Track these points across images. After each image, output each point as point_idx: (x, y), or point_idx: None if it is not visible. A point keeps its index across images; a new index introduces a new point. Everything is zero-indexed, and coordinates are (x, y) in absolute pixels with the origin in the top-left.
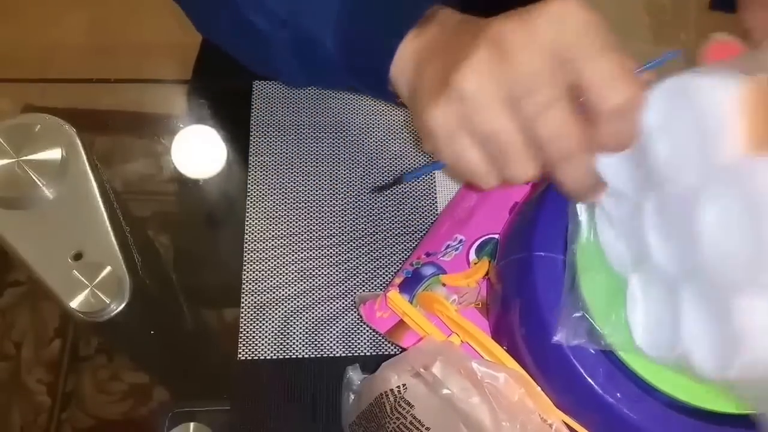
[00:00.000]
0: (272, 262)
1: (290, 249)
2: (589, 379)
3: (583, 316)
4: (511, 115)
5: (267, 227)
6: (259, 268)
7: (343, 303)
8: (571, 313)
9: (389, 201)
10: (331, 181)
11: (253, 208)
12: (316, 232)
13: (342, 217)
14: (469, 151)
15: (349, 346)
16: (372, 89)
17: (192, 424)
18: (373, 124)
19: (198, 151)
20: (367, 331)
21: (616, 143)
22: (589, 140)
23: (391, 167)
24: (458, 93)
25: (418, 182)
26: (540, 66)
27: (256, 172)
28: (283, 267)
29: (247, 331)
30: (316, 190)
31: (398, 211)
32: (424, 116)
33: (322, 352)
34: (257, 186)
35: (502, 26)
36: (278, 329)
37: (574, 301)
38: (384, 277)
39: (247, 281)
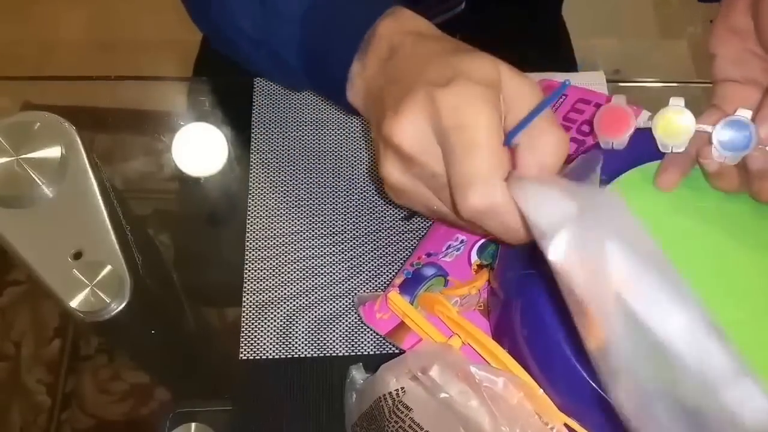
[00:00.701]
0: (274, 261)
1: (292, 247)
2: (592, 382)
3: None
4: (432, 194)
5: (268, 225)
6: (261, 266)
7: (345, 301)
8: None
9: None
10: (333, 178)
11: (255, 207)
12: (319, 231)
13: (344, 215)
14: (421, 210)
15: (353, 344)
16: (341, 108)
17: (193, 425)
18: None
19: (199, 148)
20: (371, 330)
21: (503, 238)
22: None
23: None
24: (389, 185)
25: None
26: (431, 167)
27: (257, 169)
28: (285, 265)
29: (249, 331)
30: (319, 188)
31: (401, 209)
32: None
33: (325, 351)
34: (259, 184)
35: (390, 126)
36: (280, 328)
37: None
38: (387, 275)
39: (248, 280)
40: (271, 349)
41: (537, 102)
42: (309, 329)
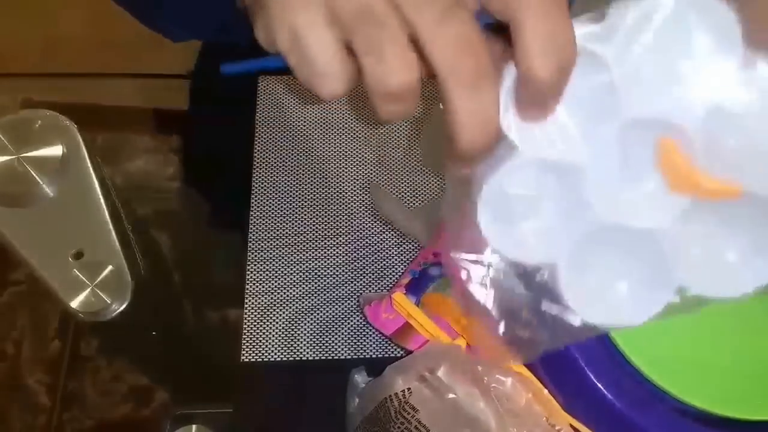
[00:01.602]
0: (277, 263)
1: (295, 249)
2: (599, 384)
3: None
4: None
5: (272, 226)
6: (264, 268)
7: (350, 304)
8: None
9: (397, 198)
10: (337, 178)
11: (258, 207)
12: (323, 232)
13: (349, 216)
14: (317, 29)
15: (357, 348)
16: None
17: (194, 427)
18: None
19: (202, 147)
20: (375, 332)
21: (546, 71)
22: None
23: (399, 165)
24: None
25: (427, 180)
26: None
27: (260, 169)
28: (288, 267)
29: (251, 333)
30: (322, 188)
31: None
32: None
33: (329, 354)
34: (262, 183)
35: None
36: (283, 331)
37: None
38: (392, 277)
39: (251, 282)
40: (273, 351)
41: None
42: (312, 332)
